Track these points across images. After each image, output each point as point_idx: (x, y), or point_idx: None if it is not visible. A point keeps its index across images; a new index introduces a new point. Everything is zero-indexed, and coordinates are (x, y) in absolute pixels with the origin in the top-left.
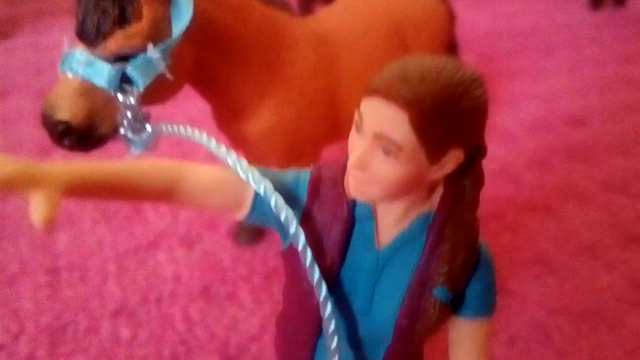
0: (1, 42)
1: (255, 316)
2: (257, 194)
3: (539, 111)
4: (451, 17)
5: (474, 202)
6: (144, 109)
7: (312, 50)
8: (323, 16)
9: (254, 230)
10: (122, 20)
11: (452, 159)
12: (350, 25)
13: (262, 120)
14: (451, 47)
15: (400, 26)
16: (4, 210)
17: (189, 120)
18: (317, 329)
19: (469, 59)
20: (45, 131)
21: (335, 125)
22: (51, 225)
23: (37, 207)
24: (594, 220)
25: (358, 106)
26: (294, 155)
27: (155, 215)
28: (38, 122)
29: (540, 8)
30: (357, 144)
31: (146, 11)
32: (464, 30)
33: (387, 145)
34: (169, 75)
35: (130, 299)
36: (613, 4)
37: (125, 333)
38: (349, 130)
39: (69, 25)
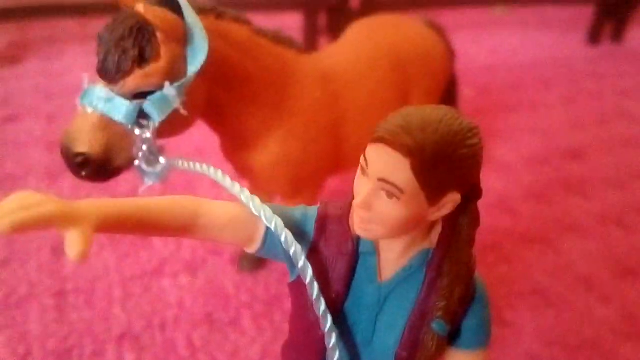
0: (13, 67)
1: (256, 343)
2: (268, 230)
3: (537, 144)
4: (451, 54)
5: (470, 240)
6: (158, 142)
7: (318, 86)
8: (328, 53)
9: (257, 258)
10: (141, 60)
11: (450, 201)
12: (354, 62)
13: (268, 152)
14: (451, 82)
15: (402, 64)
16: (12, 235)
17: (194, 148)
18: (322, 358)
19: (468, 93)
20: (64, 162)
21: (338, 159)
22: (85, 258)
23: (72, 242)
24: (590, 253)
25: (364, 151)
26: (298, 185)
27: (160, 242)
28: (48, 146)
29: (538, 43)
30: (362, 186)
31: (164, 51)
32: (463, 64)
33: (390, 189)
34: (183, 111)
35: (135, 324)
36: (611, 39)
37: (129, 357)
38: (350, 164)
39: (79, 51)
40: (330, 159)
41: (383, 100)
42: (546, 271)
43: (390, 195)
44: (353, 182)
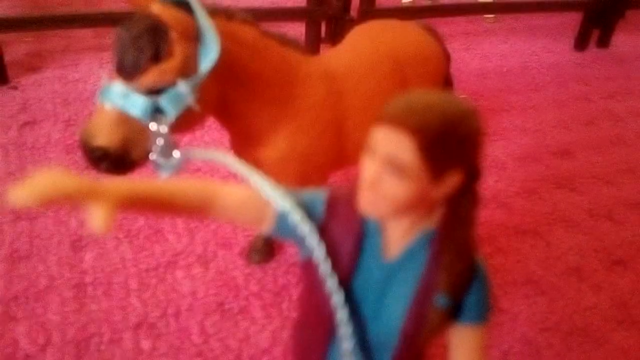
0: (31, 75)
1: (266, 330)
2: (280, 211)
3: (528, 143)
4: (447, 57)
5: (472, 220)
6: (173, 137)
7: (322, 86)
8: (331, 55)
9: (265, 250)
10: (156, 58)
11: (452, 180)
12: (356, 64)
13: (276, 148)
14: (447, 83)
15: (401, 65)
16: (33, 230)
17: (204, 147)
18: (331, 334)
19: (462, 96)
20: (84, 156)
21: (341, 154)
22: (108, 231)
23: (96, 216)
24: (580, 245)
25: (370, 133)
26: (304, 180)
27: (173, 236)
28: (65, 149)
29: (528, 49)
30: (368, 166)
31: (177, 50)
32: (456, 69)
33: (395, 168)
34: (196, 107)
35: (151, 313)
36: (597, 45)
37: (146, 344)
38: (352, 159)
39: (94, 60)
40: (334, 154)
41: (382, 99)
42: (538, 262)
43: (395, 174)
44: (355, 176)
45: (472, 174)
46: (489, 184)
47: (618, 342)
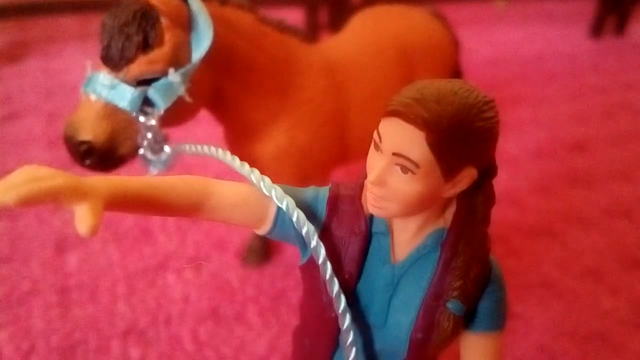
0: (12, 65)
1: (263, 337)
2: (279, 210)
3: (542, 137)
4: (456, 45)
5: (486, 219)
6: (163, 131)
7: (323, 75)
8: (333, 43)
9: (262, 251)
10: (145, 46)
11: (466, 177)
12: (359, 52)
13: (273, 142)
14: (456, 73)
15: (407, 53)
16: (15, 230)
17: (197, 143)
18: (335, 342)
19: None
20: (68, 151)
21: (343, 149)
22: (95, 233)
23: (82, 217)
24: (597, 245)
25: (376, 126)
26: (304, 177)
27: (164, 237)
28: (48, 144)
29: (541, 37)
30: (375, 162)
31: (168, 37)
32: (466, 58)
33: (404, 164)
34: (188, 98)
35: (140, 319)
36: (613, 32)
37: (135, 353)
38: (355, 154)
39: (78, 50)
40: (336, 149)
41: (387, 90)
42: (554, 263)
43: (405, 170)
44: (359, 172)
45: (487, 170)
46: (501, 180)
47: (637, 348)
